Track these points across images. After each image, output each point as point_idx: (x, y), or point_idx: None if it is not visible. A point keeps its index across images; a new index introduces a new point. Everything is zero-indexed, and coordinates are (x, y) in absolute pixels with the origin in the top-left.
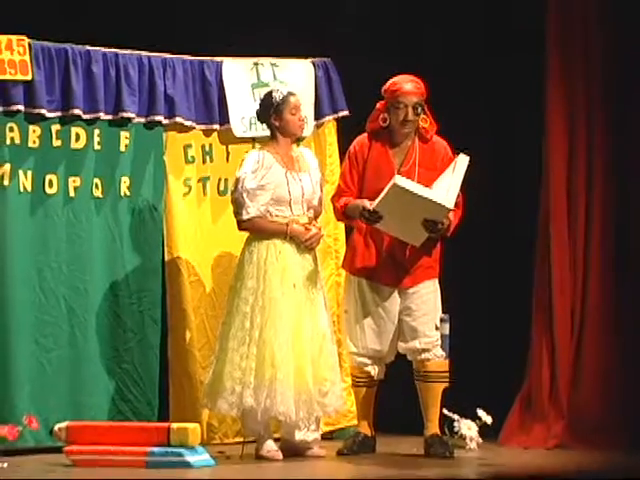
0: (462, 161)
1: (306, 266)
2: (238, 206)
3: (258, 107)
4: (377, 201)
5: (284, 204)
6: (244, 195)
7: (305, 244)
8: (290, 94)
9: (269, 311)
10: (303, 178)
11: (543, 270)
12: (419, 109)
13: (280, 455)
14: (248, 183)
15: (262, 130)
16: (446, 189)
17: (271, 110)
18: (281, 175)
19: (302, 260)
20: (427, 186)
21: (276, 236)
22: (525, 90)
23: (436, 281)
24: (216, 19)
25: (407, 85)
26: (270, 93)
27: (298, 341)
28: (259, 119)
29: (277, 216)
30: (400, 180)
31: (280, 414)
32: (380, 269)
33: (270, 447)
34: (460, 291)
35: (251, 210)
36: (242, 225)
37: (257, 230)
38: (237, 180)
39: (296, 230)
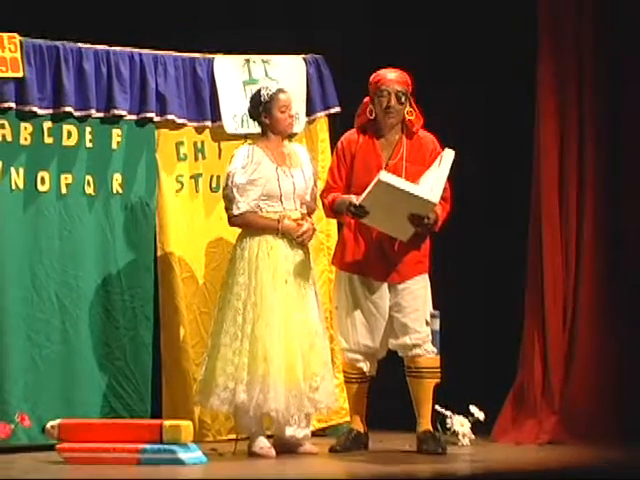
0: (448, 155)
1: (298, 262)
2: (229, 201)
3: (249, 104)
4: (363, 196)
5: (275, 199)
6: (234, 190)
7: (297, 240)
8: (280, 91)
9: (261, 307)
10: (295, 174)
11: (535, 265)
12: (402, 98)
13: (273, 452)
14: (238, 178)
15: (254, 127)
16: (431, 184)
17: (260, 108)
18: (271, 170)
19: (294, 256)
20: (415, 180)
21: (268, 232)
22: (517, 83)
23: (426, 276)
24: (207, 16)
25: (390, 74)
26: (259, 91)
27: (289, 336)
28: (250, 116)
29: (268, 211)
30: (385, 176)
31: (272, 410)
32: (370, 264)
33: (263, 444)
34: (452, 287)
35: (242, 205)
36: (233, 220)
37: (248, 225)
38: (227, 176)
39: (288, 226)
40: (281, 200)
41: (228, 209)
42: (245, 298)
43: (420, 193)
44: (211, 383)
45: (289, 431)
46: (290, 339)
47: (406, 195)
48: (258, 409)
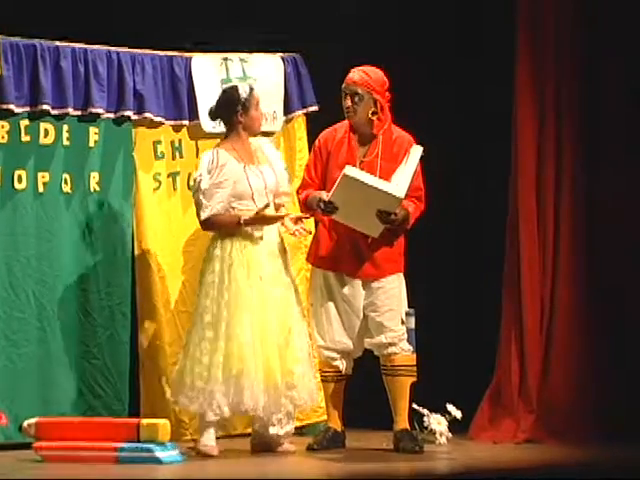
0: (415, 151)
1: (273, 259)
2: (197, 207)
3: (218, 103)
4: (331, 192)
5: (247, 198)
6: (200, 196)
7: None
8: (252, 89)
9: (235, 305)
10: (264, 170)
11: (512, 264)
12: (356, 98)
13: (216, 451)
14: (203, 184)
15: None
16: (398, 179)
17: (238, 106)
18: (239, 170)
19: (269, 253)
20: (388, 178)
21: (238, 231)
22: (494, 82)
23: (401, 275)
24: (185, 14)
25: (353, 74)
26: (235, 88)
27: (265, 334)
28: (218, 116)
29: (241, 210)
30: (350, 170)
31: (251, 409)
32: (343, 260)
33: (207, 441)
34: (427, 285)
35: (207, 209)
36: (203, 225)
37: (217, 226)
38: (194, 183)
39: (264, 217)
40: (253, 198)
41: (197, 215)
42: (218, 297)
43: (385, 188)
44: (180, 382)
45: (273, 430)
46: (266, 336)
47: (372, 190)
48: (236, 408)
